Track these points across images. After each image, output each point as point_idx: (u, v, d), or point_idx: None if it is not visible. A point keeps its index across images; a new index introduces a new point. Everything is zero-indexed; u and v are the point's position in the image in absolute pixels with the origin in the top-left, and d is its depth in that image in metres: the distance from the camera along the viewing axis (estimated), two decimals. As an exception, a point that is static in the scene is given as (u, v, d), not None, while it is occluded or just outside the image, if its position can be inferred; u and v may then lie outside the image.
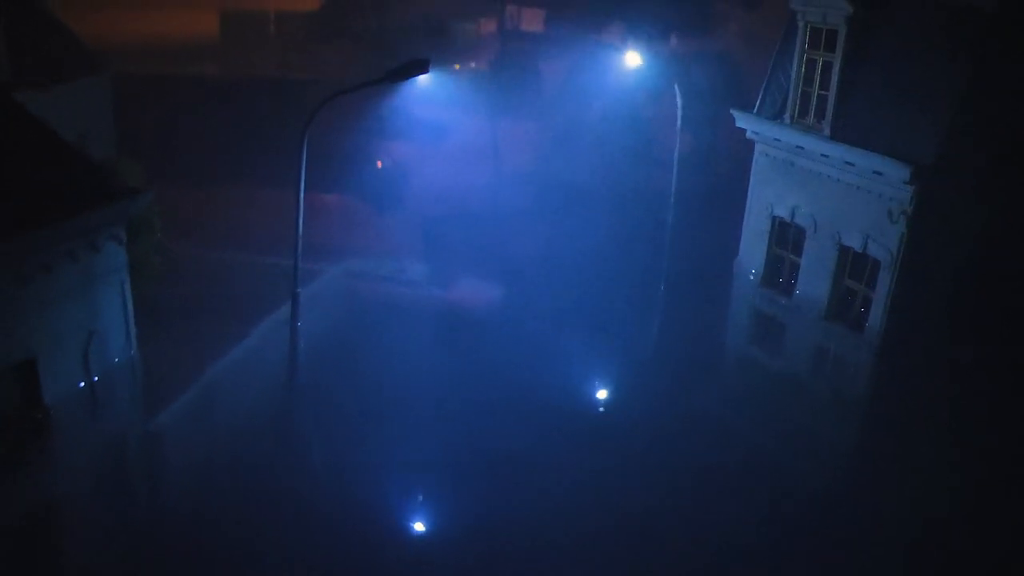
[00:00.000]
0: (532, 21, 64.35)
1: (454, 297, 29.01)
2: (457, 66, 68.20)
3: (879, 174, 21.84)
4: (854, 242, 23.09)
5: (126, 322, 19.29)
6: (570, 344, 26.80)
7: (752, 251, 26.64)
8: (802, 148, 24.12)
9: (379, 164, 44.77)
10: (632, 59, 31.83)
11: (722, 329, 27.49)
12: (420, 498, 19.22)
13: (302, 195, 20.05)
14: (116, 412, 19.48)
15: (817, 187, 24.03)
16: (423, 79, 54.23)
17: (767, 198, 25.75)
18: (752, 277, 26.45)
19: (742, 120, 25.86)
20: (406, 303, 28.39)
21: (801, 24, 23.80)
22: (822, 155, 23.49)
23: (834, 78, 23.12)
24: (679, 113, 29.58)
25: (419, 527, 18.49)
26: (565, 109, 45.89)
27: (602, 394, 25.23)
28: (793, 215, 24.90)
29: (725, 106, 39.17)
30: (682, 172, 30.59)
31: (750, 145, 26.55)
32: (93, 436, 18.81)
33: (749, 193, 26.62)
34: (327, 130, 39.98)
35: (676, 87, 29.36)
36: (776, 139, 24.96)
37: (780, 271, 25.87)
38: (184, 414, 19.98)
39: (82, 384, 18.52)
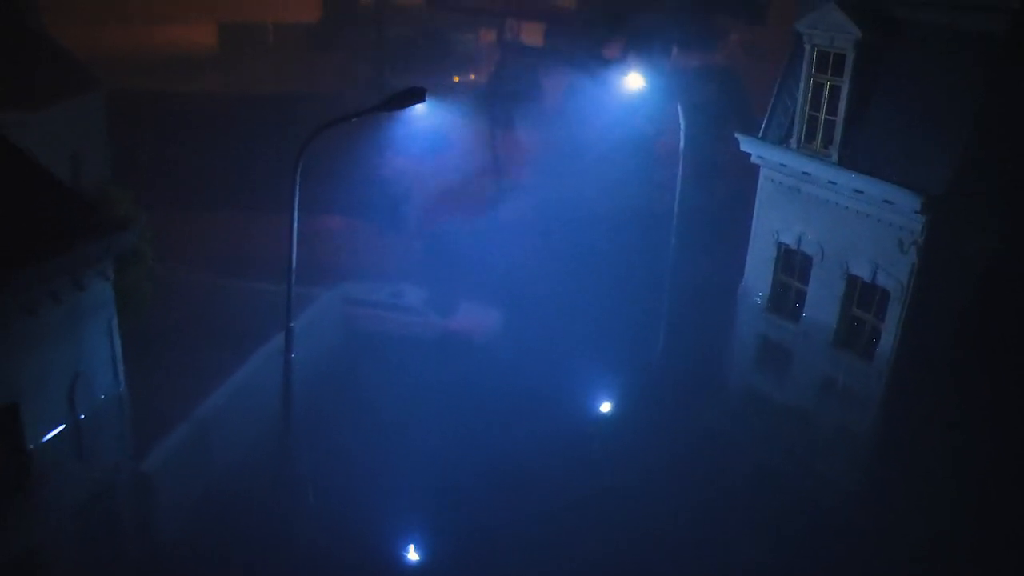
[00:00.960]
0: (532, 34, 63.88)
1: (453, 325, 28.41)
2: (456, 78, 67.76)
3: (889, 203, 21.25)
4: (863, 272, 22.49)
5: (113, 359, 18.67)
6: (573, 369, 26.33)
7: (758, 277, 26.03)
8: (809, 174, 23.52)
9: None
10: (634, 80, 31.01)
11: (727, 355, 26.90)
12: (423, 541, 18.65)
13: (295, 227, 19.42)
14: (103, 453, 18.90)
15: (824, 214, 23.42)
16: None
17: (773, 224, 25.14)
18: (758, 302, 25.79)
19: (747, 145, 25.27)
20: (403, 331, 27.81)
21: (808, 47, 23.20)
22: (829, 182, 22.86)
23: (842, 103, 22.53)
24: (682, 133, 28.94)
25: (421, 565, 18.08)
26: (566, 124, 45.27)
27: (606, 422, 25.10)
28: (799, 242, 24.31)
29: (728, 123, 38.73)
30: (684, 191, 29.96)
31: (754, 163, 25.96)
32: (79, 479, 18.23)
33: (754, 218, 26.01)
34: (325, 145, 39.43)
35: (679, 107, 28.64)
36: (782, 164, 24.34)
37: (787, 298, 25.28)
38: (175, 453, 19.42)
39: (67, 425, 17.83)
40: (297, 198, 19.20)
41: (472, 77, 70.34)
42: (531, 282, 31.10)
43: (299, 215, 19.71)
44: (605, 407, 26.25)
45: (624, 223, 35.55)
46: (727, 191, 35.40)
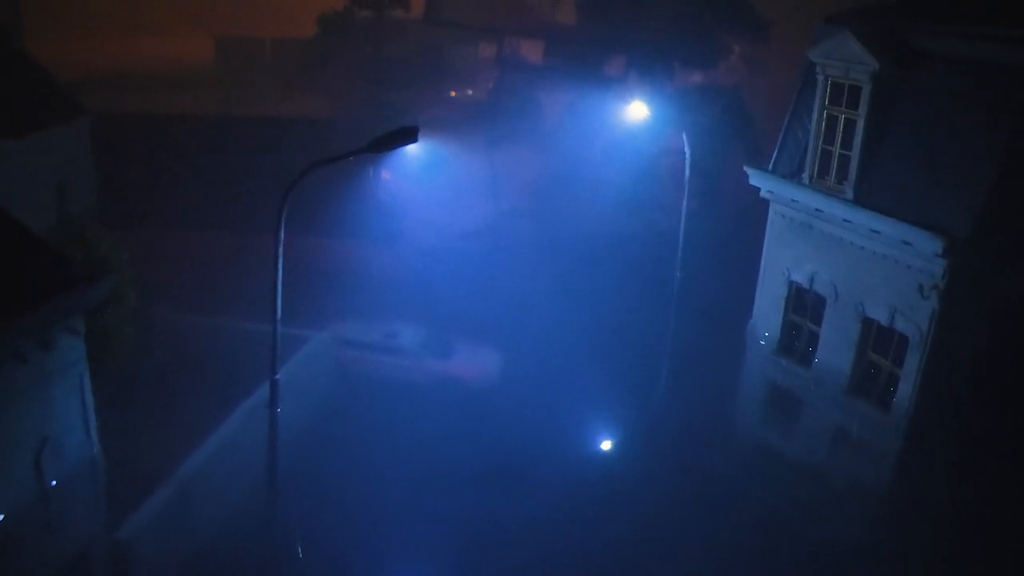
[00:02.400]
0: (531, 51, 62.96)
1: (450, 368, 27.27)
2: (453, 93, 66.72)
3: (907, 244, 20.04)
4: (879, 315, 21.31)
5: (85, 420, 17.50)
6: (574, 410, 25.35)
7: (767, 316, 24.88)
8: (822, 211, 22.33)
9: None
10: (637, 109, 29.86)
11: (734, 398, 25.76)
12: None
13: (279, 277, 18.17)
14: (76, 521, 17.72)
15: (838, 253, 22.26)
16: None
17: (783, 262, 23.98)
18: (765, 343, 24.60)
19: (756, 178, 24.14)
20: (398, 375, 26.66)
21: (821, 78, 22.03)
22: (844, 220, 21.67)
23: (858, 137, 21.37)
24: (687, 161, 27.79)
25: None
26: (565, 145, 44.22)
27: (607, 466, 24.48)
28: (812, 281, 23.14)
29: (732, 144, 37.66)
30: (690, 219, 28.79)
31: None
32: (49, 552, 16.99)
33: (764, 254, 24.87)
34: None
35: (684, 136, 27.50)
36: (793, 200, 23.18)
37: (797, 339, 24.12)
38: (154, 518, 18.26)
39: (34, 495, 16.62)
40: (282, 246, 17.94)
41: (469, 92, 69.41)
42: (529, 313, 30.03)
43: (290, 238, 18.46)
44: (606, 446, 25.57)
45: (626, 251, 34.47)
46: (733, 218, 34.30)
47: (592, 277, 32.49)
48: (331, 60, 55.27)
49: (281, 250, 18.10)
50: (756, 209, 25.45)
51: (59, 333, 16.55)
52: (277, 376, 18.83)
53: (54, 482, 17.07)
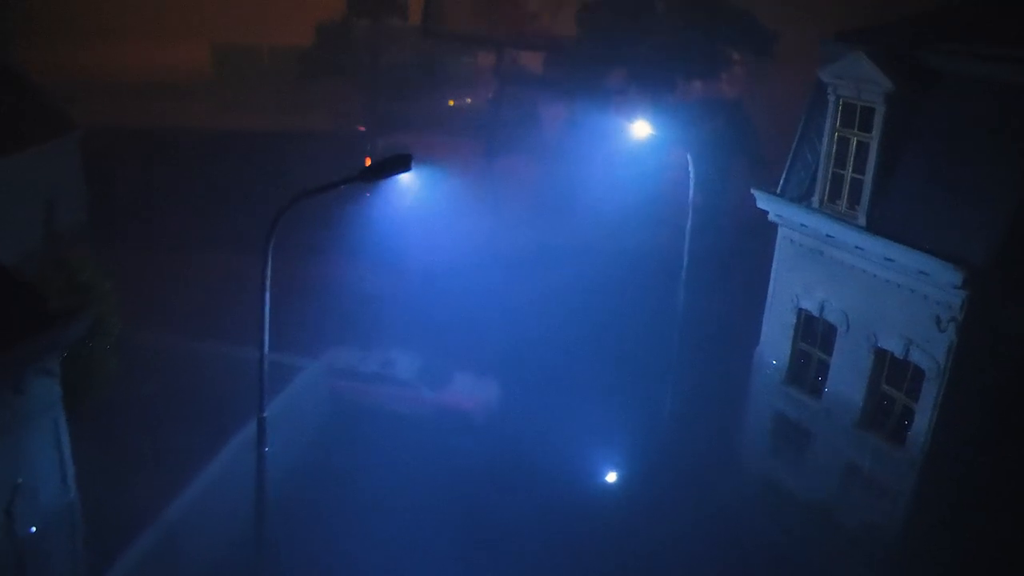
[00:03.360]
0: (531, 60, 62.17)
1: (448, 399, 26.37)
2: (451, 102, 65.89)
3: (924, 274, 19.12)
4: (893, 346, 20.40)
5: (61, 465, 16.57)
6: (575, 440, 24.62)
7: (775, 343, 23.97)
8: (832, 237, 21.41)
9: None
10: (641, 127, 28.93)
11: (740, 428, 24.82)
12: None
13: (267, 313, 17.24)
14: (54, 574, 16.68)
15: (850, 281, 21.36)
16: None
17: (792, 288, 23.08)
18: (773, 371, 23.68)
19: (764, 202, 23.26)
20: (394, 407, 25.80)
21: (832, 98, 21.12)
22: (856, 247, 20.74)
23: (871, 161, 20.47)
24: (691, 182, 26.86)
25: None
26: (565, 158, 43.35)
27: (611, 498, 23.98)
28: (822, 309, 22.24)
29: (736, 160, 36.76)
30: (694, 240, 27.87)
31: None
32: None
33: (772, 279, 23.98)
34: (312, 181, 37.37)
35: (688, 156, 26.60)
36: (802, 225, 22.26)
37: (807, 369, 23.20)
38: (137, 567, 17.26)
39: (7, 547, 15.69)
40: (269, 278, 17.01)
41: (468, 101, 68.58)
42: (529, 338, 29.14)
43: (283, 256, 17.58)
44: (611, 478, 24.90)
45: (628, 268, 33.54)
46: (737, 233, 33.41)
47: (593, 296, 31.62)
48: (329, 70, 54.53)
49: (268, 284, 17.19)
50: (761, 225, 24.51)
51: (32, 375, 15.63)
52: (265, 414, 17.95)
53: (26, 533, 16.10)
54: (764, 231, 24.37)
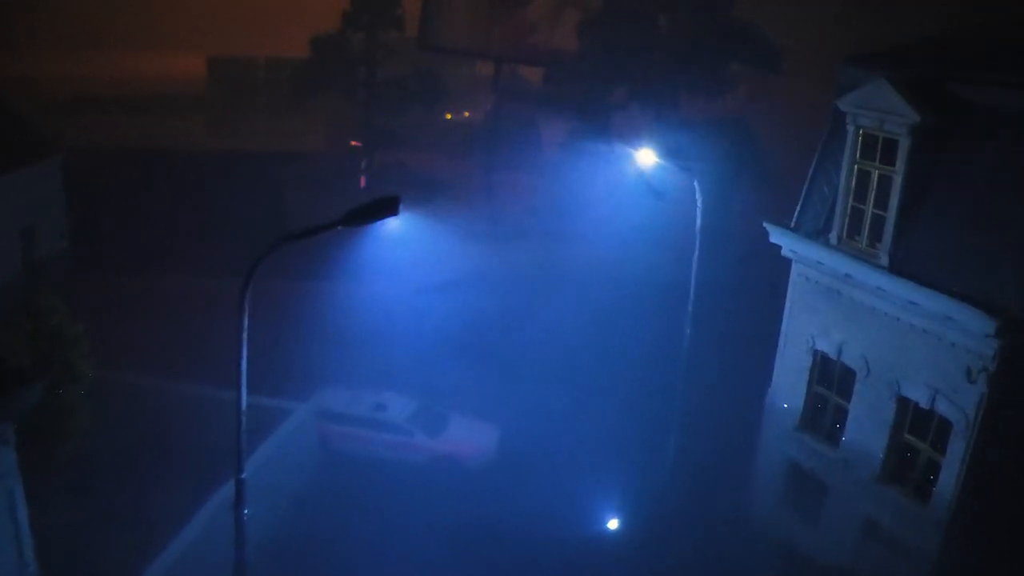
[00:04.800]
0: (531, 72, 60.96)
1: (445, 446, 24.86)
2: (449, 115, 64.58)
3: (951, 320, 17.61)
4: (918, 395, 18.91)
5: (18, 539, 15.08)
6: (576, 487, 23.48)
7: (788, 385, 22.51)
8: (851, 276, 19.91)
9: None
10: (646, 155, 27.47)
11: (750, 479, 23.27)
12: None
13: (244, 367, 15.67)
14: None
15: (870, 323, 19.89)
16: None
17: (807, 328, 21.60)
18: (786, 416, 22.17)
19: (777, 236, 21.80)
20: (387, 455, 24.37)
21: (851, 129, 19.64)
22: (877, 288, 19.25)
23: (894, 196, 19.01)
24: (699, 211, 25.42)
25: None
26: (566, 177, 41.91)
27: (612, 548, 22.57)
28: (840, 352, 20.74)
29: (744, 184, 35.28)
30: (700, 270, 26.42)
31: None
32: None
33: (785, 317, 22.53)
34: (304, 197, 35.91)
35: (695, 184, 25.16)
36: (819, 262, 20.76)
37: (822, 414, 21.68)
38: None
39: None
40: (246, 329, 15.45)
41: (466, 114, 67.33)
42: (529, 378, 27.65)
43: (271, 284, 16.10)
44: (613, 524, 23.56)
45: (631, 300, 32.05)
46: (745, 263, 31.93)
47: (595, 328, 30.12)
48: (324, 84, 53.34)
49: (245, 336, 15.65)
50: (769, 251, 23.00)
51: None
52: (244, 475, 16.41)
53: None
54: (773, 257, 22.84)
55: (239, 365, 15.70)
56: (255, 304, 14.45)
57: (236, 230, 32.38)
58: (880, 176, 19.41)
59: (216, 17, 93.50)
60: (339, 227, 15.68)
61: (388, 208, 15.31)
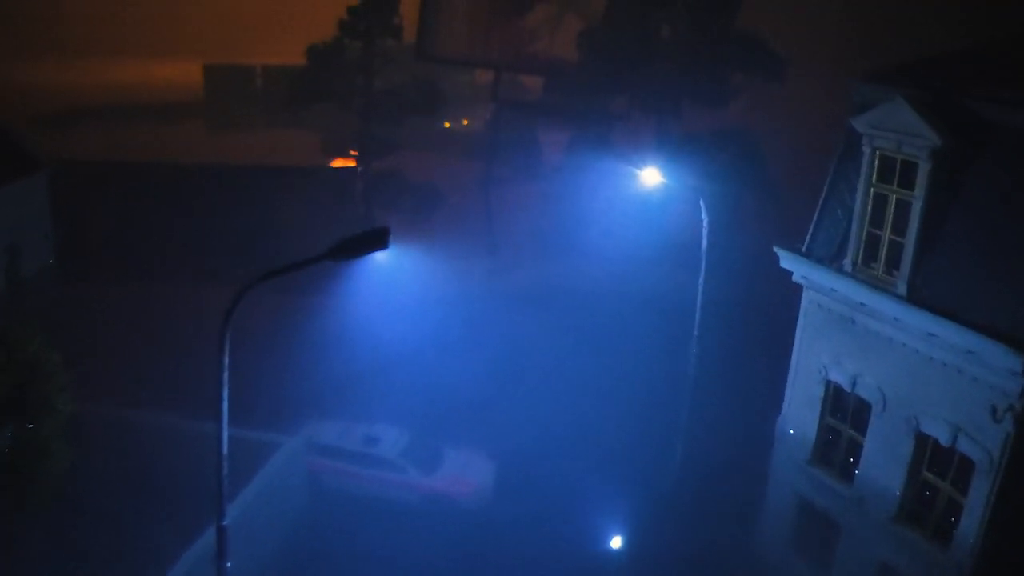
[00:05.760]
0: (531, 80, 60.06)
1: (439, 483, 23.80)
2: (447, 124, 63.71)
3: (973, 354, 16.57)
4: (938, 432, 17.89)
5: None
6: (581, 532, 22.44)
7: (799, 415, 21.50)
8: (866, 305, 18.87)
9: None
10: (650, 175, 26.44)
11: (758, 515, 22.20)
12: None
13: (225, 413, 14.65)
14: None
15: (887, 354, 18.87)
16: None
17: (820, 357, 20.57)
18: (797, 448, 21.13)
19: (788, 261, 20.76)
20: (379, 492, 23.29)
21: (867, 150, 18.61)
22: (895, 318, 18.21)
23: (913, 222, 17.98)
24: (704, 231, 24.40)
25: None
26: (566, 189, 40.95)
27: None
28: (854, 384, 19.71)
29: (748, 196, 34.25)
30: (707, 290, 25.38)
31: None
32: None
33: (796, 345, 21.51)
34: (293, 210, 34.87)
35: (701, 203, 24.16)
36: (832, 289, 19.73)
37: (836, 448, 20.66)
38: None
39: None
40: (226, 369, 14.42)
41: (465, 123, 66.50)
42: (525, 394, 26.59)
43: (268, 295, 15.10)
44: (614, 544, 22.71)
45: (633, 321, 31.01)
46: (752, 282, 30.90)
47: (597, 350, 29.06)
48: (321, 96, 52.41)
49: (225, 376, 14.63)
50: (776, 270, 21.97)
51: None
52: (225, 522, 15.43)
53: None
54: (780, 276, 21.81)
55: (220, 407, 14.73)
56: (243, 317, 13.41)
57: (227, 245, 31.40)
58: (898, 200, 18.38)
59: (213, 25, 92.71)
60: (325, 260, 14.75)
61: (377, 241, 14.43)
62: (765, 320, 24.98)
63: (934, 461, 18.42)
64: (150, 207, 37.02)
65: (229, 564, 15.44)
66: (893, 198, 18.46)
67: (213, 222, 35.37)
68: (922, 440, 18.45)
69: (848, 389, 19.98)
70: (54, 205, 34.03)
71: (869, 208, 18.99)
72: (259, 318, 15.96)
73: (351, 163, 50.99)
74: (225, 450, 14.98)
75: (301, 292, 31.02)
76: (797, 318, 21.74)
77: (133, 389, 25.54)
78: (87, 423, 21.06)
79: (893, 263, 18.57)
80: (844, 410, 20.43)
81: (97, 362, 24.74)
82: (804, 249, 20.76)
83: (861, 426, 19.97)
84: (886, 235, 18.71)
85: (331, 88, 51.81)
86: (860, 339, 19.52)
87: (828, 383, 20.60)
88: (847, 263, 19.48)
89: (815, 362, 20.83)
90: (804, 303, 21.05)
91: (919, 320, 17.72)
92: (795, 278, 20.86)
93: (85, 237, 35.40)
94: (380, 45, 50.95)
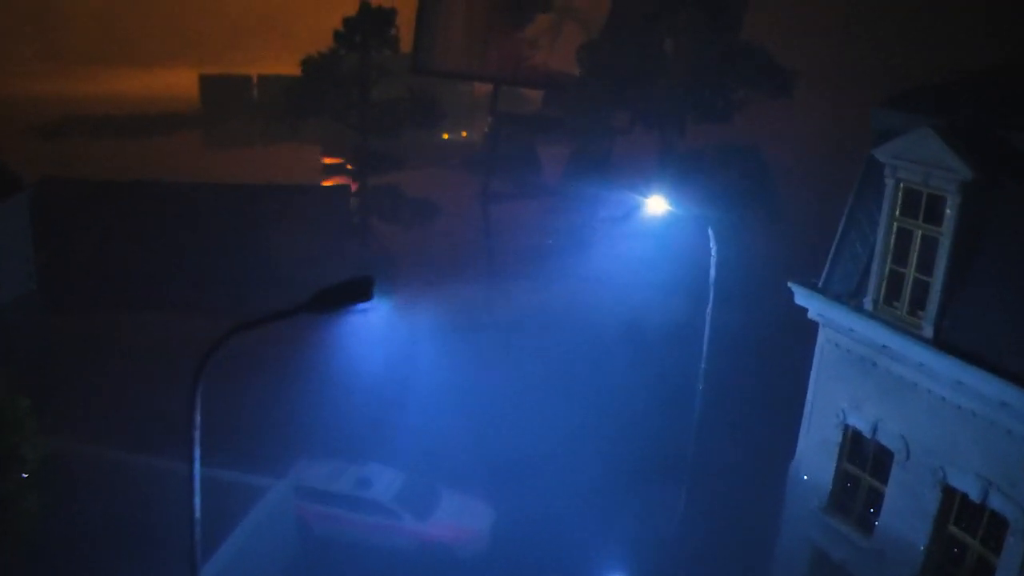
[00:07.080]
0: (529, 95, 59.05)
1: (435, 530, 22.51)
2: (446, 135, 62.75)
3: (1007, 405, 15.27)
4: (967, 486, 16.59)
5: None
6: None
7: (814, 460, 20.23)
8: (889, 348, 17.57)
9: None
10: (656, 203, 25.20)
11: (766, 572, 20.93)
12: None
13: (198, 478, 13.38)
14: None
15: (911, 400, 17.57)
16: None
17: (837, 400, 19.28)
18: (812, 495, 19.82)
19: (804, 298, 19.46)
20: (370, 539, 22.11)
21: (891, 182, 17.32)
22: (920, 363, 16.90)
23: (941, 260, 16.69)
24: (713, 260, 23.14)
25: None
26: (567, 211, 39.83)
27: None
28: (875, 430, 18.42)
29: (754, 218, 33.00)
30: (715, 321, 24.14)
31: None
32: None
33: (811, 385, 20.23)
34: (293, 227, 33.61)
35: (709, 231, 22.90)
36: (851, 329, 18.43)
37: (854, 497, 19.35)
38: None
39: None
40: (198, 426, 13.14)
41: (464, 135, 65.63)
42: (527, 436, 25.32)
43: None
44: None
45: (636, 351, 29.75)
46: (759, 310, 29.63)
47: (598, 384, 27.77)
48: (316, 108, 51.39)
49: (197, 435, 13.35)
50: (786, 300, 20.69)
51: None
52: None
53: None
54: (789, 307, 20.53)
55: (192, 467, 13.47)
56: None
57: (218, 270, 30.18)
58: (924, 236, 17.08)
59: (210, 33, 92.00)
60: (304, 312, 13.49)
61: (360, 292, 13.15)
62: (777, 350, 23.66)
63: (962, 516, 17.13)
64: (138, 228, 35.80)
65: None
66: (918, 233, 17.15)
67: (204, 244, 34.08)
68: (949, 493, 17.18)
69: (868, 436, 18.71)
70: (36, 227, 32.67)
71: (892, 244, 17.71)
72: (244, 352, 14.79)
73: (346, 180, 50.02)
74: (198, 512, 13.71)
75: (288, 326, 29.65)
76: (810, 353, 20.46)
77: (115, 426, 24.23)
78: (64, 464, 19.82)
79: (918, 303, 17.28)
80: (863, 457, 19.16)
81: (78, 396, 23.37)
82: (820, 285, 19.48)
83: (882, 475, 18.71)
84: (911, 273, 17.44)
85: (327, 100, 50.86)
86: (881, 383, 18.25)
87: (846, 427, 19.34)
88: (867, 301, 18.20)
89: (832, 405, 19.55)
90: (820, 341, 19.79)
91: (947, 367, 16.45)
92: (810, 315, 19.56)
93: (69, 262, 34.09)
94: (376, 57, 50.01)
